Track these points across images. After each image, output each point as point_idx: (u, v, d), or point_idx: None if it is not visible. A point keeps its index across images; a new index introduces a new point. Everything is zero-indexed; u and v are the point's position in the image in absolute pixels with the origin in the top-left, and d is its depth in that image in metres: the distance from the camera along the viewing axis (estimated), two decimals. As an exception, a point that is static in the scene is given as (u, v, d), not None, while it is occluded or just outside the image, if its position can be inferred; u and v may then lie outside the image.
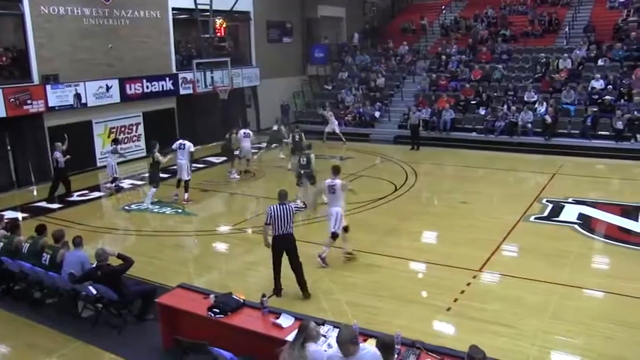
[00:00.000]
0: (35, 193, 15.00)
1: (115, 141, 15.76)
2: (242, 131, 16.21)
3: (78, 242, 7.67)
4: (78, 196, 14.19)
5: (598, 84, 19.06)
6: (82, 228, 11.26)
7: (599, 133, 17.82)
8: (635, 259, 9.26)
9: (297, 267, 8.01)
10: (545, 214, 11.66)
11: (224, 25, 21.95)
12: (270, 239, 7.97)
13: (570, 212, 11.64)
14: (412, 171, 15.81)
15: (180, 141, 13.15)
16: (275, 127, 18.09)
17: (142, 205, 13.11)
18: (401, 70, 24.33)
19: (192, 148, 13.43)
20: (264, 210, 8.27)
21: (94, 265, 7.25)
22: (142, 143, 18.83)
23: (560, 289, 8.10)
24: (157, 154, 12.82)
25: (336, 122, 20.31)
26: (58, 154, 13.74)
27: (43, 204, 13.65)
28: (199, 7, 18.97)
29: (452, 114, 20.10)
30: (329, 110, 20.70)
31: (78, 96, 16.21)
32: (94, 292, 7.07)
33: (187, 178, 12.98)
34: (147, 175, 13.80)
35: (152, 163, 13.02)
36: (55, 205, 13.42)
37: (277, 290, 8.08)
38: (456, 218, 11.65)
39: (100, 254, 7.20)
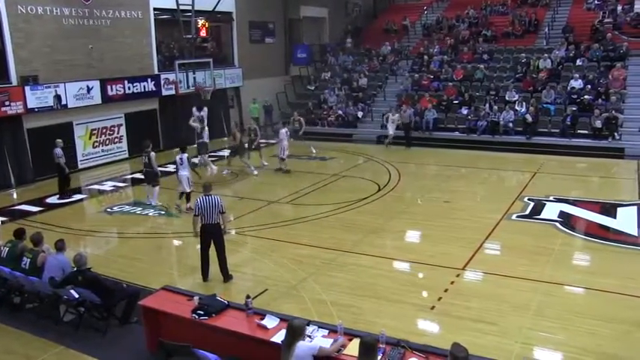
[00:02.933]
0: (15, 196, 14.75)
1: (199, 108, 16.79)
2: (283, 130, 16.20)
3: (60, 246, 7.57)
4: (59, 198, 13.97)
5: (577, 84, 19.38)
6: (64, 231, 11.11)
7: (579, 131, 18.11)
8: (613, 255, 9.43)
9: (221, 254, 8.56)
10: (527, 212, 11.81)
11: (206, 26, 21.81)
12: (198, 228, 8.63)
13: (551, 210, 11.81)
14: (395, 171, 15.89)
15: (181, 155, 12.56)
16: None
17: (150, 202, 13.11)
18: (383, 70, 24.44)
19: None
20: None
21: (75, 270, 7.14)
22: (124, 145, 18.66)
23: (543, 286, 8.21)
24: (152, 154, 12.81)
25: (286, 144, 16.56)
26: (58, 151, 13.69)
27: (24, 207, 13.42)
28: (181, 7, 18.82)
29: (434, 114, 20.25)
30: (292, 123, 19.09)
31: (58, 97, 15.98)
32: (76, 295, 6.97)
33: (189, 191, 12.60)
34: (143, 176, 13.60)
35: (146, 163, 12.93)
36: (36, 208, 13.20)
37: (204, 275, 8.67)
38: (439, 217, 11.74)
39: (79, 259, 7.09)
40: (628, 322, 7.07)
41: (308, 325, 5.62)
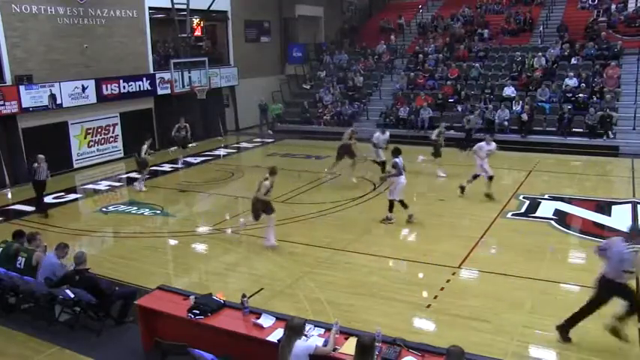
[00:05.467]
0: (10, 195, 14.69)
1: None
2: (384, 135, 15.16)
3: (58, 247, 7.56)
4: (54, 198, 13.92)
5: (572, 82, 19.45)
6: (59, 231, 11.08)
7: (574, 130, 18.18)
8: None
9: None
10: (523, 210, 11.86)
11: (201, 25, 21.79)
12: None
13: (546, 208, 11.85)
14: (390, 169, 15.88)
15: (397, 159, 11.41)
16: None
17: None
18: (379, 68, 24.45)
19: None
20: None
21: (73, 269, 7.13)
22: (120, 144, 18.60)
23: (538, 284, 8.25)
24: (144, 145, 13.43)
25: None
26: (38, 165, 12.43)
27: (18, 207, 13.36)
28: (176, 6, 18.77)
29: (430, 112, 20.29)
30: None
31: (53, 97, 15.91)
32: (72, 295, 6.96)
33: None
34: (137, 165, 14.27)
35: (139, 162, 13.53)
36: (31, 208, 13.13)
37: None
38: (434, 216, 11.76)
39: (79, 257, 7.09)
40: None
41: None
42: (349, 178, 14.65)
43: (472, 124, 18.63)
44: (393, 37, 26.00)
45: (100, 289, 7.06)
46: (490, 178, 12.56)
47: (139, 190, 14.19)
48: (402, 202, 11.15)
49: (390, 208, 11.16)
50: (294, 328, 4.98)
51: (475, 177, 12.78)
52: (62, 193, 14.43)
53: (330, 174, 15.04)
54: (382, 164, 14.54)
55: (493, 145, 12.89)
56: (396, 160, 11.03)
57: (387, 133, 15.39)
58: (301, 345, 4.94)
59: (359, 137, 15.41)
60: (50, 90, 15.82)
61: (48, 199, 13.79)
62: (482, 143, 12.73)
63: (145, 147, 13.84)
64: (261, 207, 9.77)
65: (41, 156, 12.46)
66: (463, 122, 18.98)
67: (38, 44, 15.64)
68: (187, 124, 17.58)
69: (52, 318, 7.35)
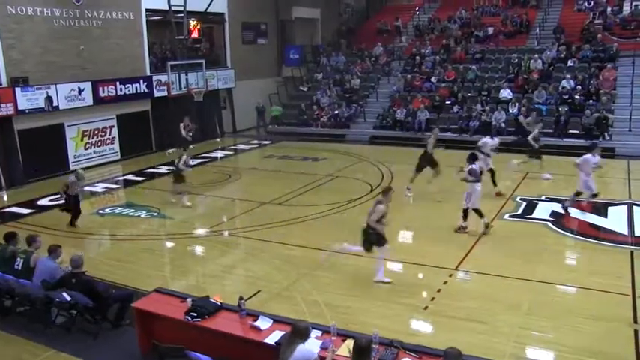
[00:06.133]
0: (6, 198, 14.63)
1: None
2: (494, 140, 13.81)
3: (52, 250, 7.53)
4: (50, 200, 13.87)
5: (568, 84, 19.52)
6: (55, 233, 11.04)
7: (570, 132, 18.23)
8: (604, 254, 9.50)
9: None
10: (519, 212, 11.89)
11: (198, 27, 21.78)
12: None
13: (543, 210, 11.89)
14: (388, 171, 15.91)
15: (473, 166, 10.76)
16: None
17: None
18: (376, 70, 24.49)
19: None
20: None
21: (69, 272, 7.11)
22: (116, 146, 18.57)
23: (535, 286, 8.26)
24: (183, 166, 12.90)
25: None
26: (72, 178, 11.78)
27: (14, 209, 13.31)
28: (173, 8, 18.79)
29: (427, 114, 20.33)
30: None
31: (49, 99, 15.87)
32: (68, 298, 6.93)
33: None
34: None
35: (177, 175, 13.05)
36: (27, 211, 13.09)
37: None
38: (431, 217, 11.77)
39: (76, 260, 7.07)
40: (617, 320, 7.14)
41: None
42: (428, 187, 13.42)
43: (535, 132, 14.86)
44: (403, 38, 25.81)
45: (96, 291, 7.04)
46: (594, 195, 11.45)
47: (185, 205, 12.97)
48: (477, 211, 10.53)
49: (465, 217, 10.58)
50: (300, 332, 4.93)
51: (578, 194, 11.56)
52: (59, 196, 14.32)
53: (408, 189, 13.28)
54: (491, 173, 13.14)
55: (598, 158, 11.59)
56: (473, 166, 10.50)
57: (497, 139, 13.89)
58: (302, 350, 4.88)
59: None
60: (46, 92, 15.79)
61: (43, 202, 13.79)
62: (588, 156, 11.35)
63: (184, 158, 13.03)
64: (375, 237, 8.32)
65: (80, 171, 12.03)
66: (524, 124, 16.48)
67: (34, 46, 15.61)
68: (190, 124, 17.61)
69: (48, 321, 7.32)
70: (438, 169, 13.49)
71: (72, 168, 17.01)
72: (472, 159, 10.70)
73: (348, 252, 9.17)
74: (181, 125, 17.21)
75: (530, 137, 14.63)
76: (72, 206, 11.72)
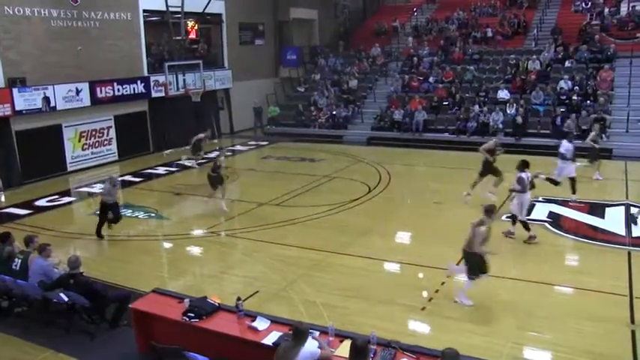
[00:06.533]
0: (3, 199, 14.58)
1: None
2: (572, 144, 12.60)
3: (41, 249, 7.52)
4: (48, 201, 13.85)
5: (565, 85, 19.56)
6: (53, 234, 11.01)
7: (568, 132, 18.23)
8: (601, 255, 9.53)
9: None
10: (517, 212, 11.87)
11: (196, 28, 21.76)
12: None
13: (541, 211, 11.90)
14: (385, 172, 15.92)
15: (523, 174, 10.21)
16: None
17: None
18: (373, 71, 24.50)
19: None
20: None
21: (67, 273, 7.09)
22: (114, 147, 18.53)
23: (532, 286, 8.28)
24: (222, 159, 12.77)
25: None
26: (106, 187, 10.97)
27: (12, 210, 13.26)
28: (170, 9, 18.77)
29: (424, 115, 20.35)
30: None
31: (47, 99, 15.83)
32: (66, 299, 6.92)
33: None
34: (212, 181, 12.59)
35: (213, 174, 12.53)
36: (24, 211, 13.06)
37: None
38: (429, 218, 11.78)
39: (73, 261, 7.05)
40: (614, 321, 7.16)
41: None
42: (485, 194, 12.56)
43: (593, 135, 14.23)
44: (411, 39, 25.57)
45: (95, 291, 7.03)
46: (552, 181, 11.64)
47: (225, 209, 12.51)
48: (523, 224, 10.02)
49: (514, 221, 10.21)
50: (303, 334, 4.94)
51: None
52: (56, 196, 14.35)
53: (468, 193, 12.62)
54: (572, 181, 12.39)
55: (570, 145, 11.78)
56: (522, 175, 9.87)
57: (572, 144, 12.66)
58: (307, 350, 4.90)
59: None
60: (44, 93, 15.75)
61: (41, 203, 13.75)
62: (563, 141, 11.10)
63: (222, 159, 12.81)
64: (477, 260, 7.69)
65: (114, 176, 11.64)
66: (568, 128, 16.10)
67: (32, 47, 15.57)
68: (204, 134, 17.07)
69: (45, 321, 7.30)
70: (500, 178, 12.68)
71: (70, 169, 17.03)
72: (523, 166, 10.01)
73: (451, 273, 8.47)
74: (202, 135, 16.74)
75: (589, 139, 14.09)
76: (113, 214, 10.91)
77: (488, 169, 12.71)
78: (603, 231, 10.67)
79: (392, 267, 9.38)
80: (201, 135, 16.73)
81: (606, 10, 23.17)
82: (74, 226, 12.14)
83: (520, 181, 9.89)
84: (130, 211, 12.86)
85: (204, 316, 6.06)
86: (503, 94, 20.20)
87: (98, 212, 11.04)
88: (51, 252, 7.66)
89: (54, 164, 16.50)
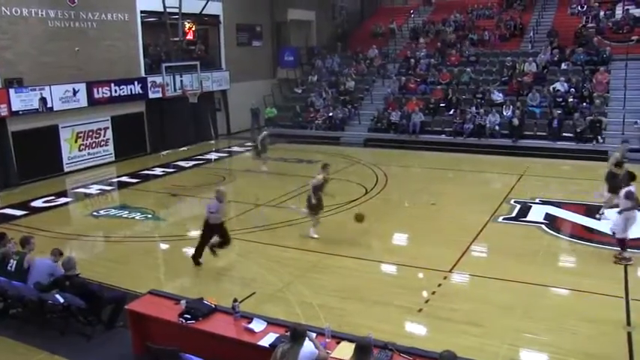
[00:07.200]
0: (-1, 200, 14.56)
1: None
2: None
3: (55, 253, 7.49)
4: (44, 202, 13.80)
5: (562, 87, 19.63)
6: (49, 235, 10.98)
7: (563, 134, 18.33)
8: (597, 256, 9.54)
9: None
10: (513, 214, 11.91)
11: (193, 29, 21.75)
12: None
13: (537, 212, 11.92)
14: (382, 174, 15.94)
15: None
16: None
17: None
18: (371, 73, 24.53)
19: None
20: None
21: (63, 274, 7.07)
22: (111, 148, 18.47)
23: (529, 288, 8.29)
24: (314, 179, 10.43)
25: None
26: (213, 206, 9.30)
27: (8, 211, 13.21)
28: (168, 10, 18.75)
29: (421, 117, 20.38)
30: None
31: (43, 100, 15.79)
32: (62, 300, 6.90)
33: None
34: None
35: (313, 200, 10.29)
36: (20, 212, 13.01)
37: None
38: (426, 220, 11.80)
39: (67, 263, 7.04)
40: (610, 323, 7.18)
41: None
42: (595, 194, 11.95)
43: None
44: (421, 39, 25.27)
45: (91, 292, 7.01)
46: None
47: (313, 236, 10.62)
48: (621, 241, 9.04)
49: (623, 246, 9.11)
50: (301, 335, 4.95)
51: None
52: (53, 197, 14.30)
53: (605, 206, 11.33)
54: None
55: None
56: (631, 189, 8.95)
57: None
58: (307, 351, 4.92)
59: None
60: (41, 93, 15.71)
61: (37, 204, 13.66)
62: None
63: (264, 133, 11.60)
64: None
65: (222, 188, 9.89)
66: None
67: (29, 47, 15.51)
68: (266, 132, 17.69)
69: (41, 323, 7.28)
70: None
71: (66, 170, 16.97)
72: (630, 179, 9.05)
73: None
74: (265, 133, 17.38)
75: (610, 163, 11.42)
76: (220, 236, 9.36)
77: (616, 183, 10.33)
78: (599, 233, 10.69)
79: (388, 268, 9.38)
80: (265, 133, 17.18)
81: (602, 13, 23.26)
82: (70, 227, 12.10)
83: (629, 195, 8.84)
84: (127, 212, 12.85)
85: (201, 317, 6.05)
86: (496, 96, 20.23)
87: (200, 233, 9.48)
88: (34, 246, 7.68)
89: (50, 165, 16.46)
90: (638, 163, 13.88)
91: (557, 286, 8.37)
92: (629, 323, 7.18)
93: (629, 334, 6.88)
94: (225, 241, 9.36)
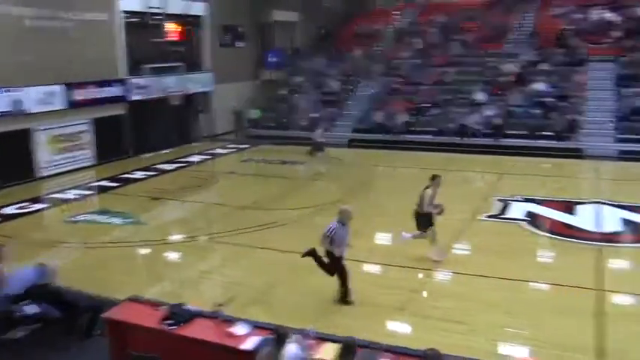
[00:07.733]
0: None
1: None
2: None
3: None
4: (17, 208, 13.38)
5: (541, 87, 19.91)
6: (23, 242, 10.67)
7: (543, 133, 18.58)
8: (576, 251, 9.70)
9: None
10: (495, 212, 12.01)
11: (176, 29, 21.54)
12: None
13: (518, 210, 12.03)
14: (367, 174, 15.94)
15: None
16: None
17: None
18: (355, 74, 24.52)
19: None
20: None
21: (36, 283, 6.84)
22: (91, 151, 18.08)
23: (511, 284, 8.34)
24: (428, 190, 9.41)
25: None
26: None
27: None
28: (151, 10, 18.48)
29: (406, 117, 20.45)
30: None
31: (18, 102, 15.36)
32: (31, 312, 6.61)
33: None
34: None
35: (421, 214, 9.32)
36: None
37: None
38: (409, 219, 11.74)
39: (40, 271, 6.83)
40: (590, 314, 7.30)
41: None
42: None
43: None
44: (420, 40, 25.60)
45: (65, 302, 6.80)
46: None
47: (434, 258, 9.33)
48: None
49: None
50: (285, 338, 4.93)
51: None
52: (27, 203, 13.85)
53: None
54: None
55: None
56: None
57: None
58: (292, 354, 4.87)
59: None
60: (15, 95, 15.28)
61: (10, 210, 13.16)
62: None
63: (319, 131, 11.67)
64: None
65: (346, 208, 8.33)
66: None
67: (3, 47, 15.09)
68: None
69: (12, 336, 6.97)
70: None
71: (43, 174, 16.43)
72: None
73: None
74: (319, 131, 17.99)
75: None
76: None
77: None
78: (577, 228, 10.84)
79: (371, 267, 9.35)
80: (319, 131, 17.57)
81: (580, 15, 23.64)
82: (46, 234, 11.80)
83: None
84: (107, 216, 12.58)
85: (182, 322, 5.93)
86: (480, 96, 20.42)
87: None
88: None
89: (23, 170, 15.84)
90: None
91: (539, 282, 8.45)
92: (601, 313, 7.31)
93: (602, 324, 6.97)
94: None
